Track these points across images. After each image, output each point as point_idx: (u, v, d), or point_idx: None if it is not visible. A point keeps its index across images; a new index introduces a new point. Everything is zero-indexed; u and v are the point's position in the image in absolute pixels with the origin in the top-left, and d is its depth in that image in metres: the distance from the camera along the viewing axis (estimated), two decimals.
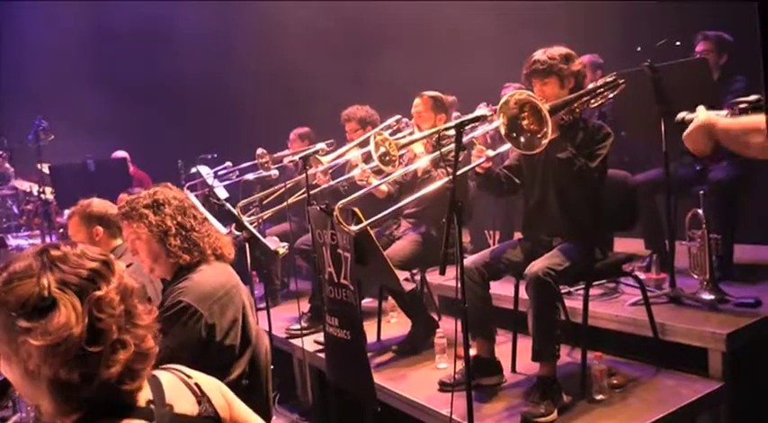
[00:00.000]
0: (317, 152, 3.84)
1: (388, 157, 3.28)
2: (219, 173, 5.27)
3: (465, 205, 2.77)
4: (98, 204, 3.14)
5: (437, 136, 2.84)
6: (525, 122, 2.76)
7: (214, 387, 1.39)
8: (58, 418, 1.14)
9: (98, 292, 1.13)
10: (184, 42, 7.93)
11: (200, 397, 1.32)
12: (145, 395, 1.21)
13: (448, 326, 3.84)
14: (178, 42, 7.94)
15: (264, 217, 4.20)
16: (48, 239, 6.03)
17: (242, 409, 1.45)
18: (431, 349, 3.66)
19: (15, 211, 7.38)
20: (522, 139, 2.76)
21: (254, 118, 7.80)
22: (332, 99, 5.99)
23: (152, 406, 1.21)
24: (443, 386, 3.18)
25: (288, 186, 4.25)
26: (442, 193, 3.31)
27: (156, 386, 1.26)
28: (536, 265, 2.91)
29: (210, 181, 4.96)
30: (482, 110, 3.33)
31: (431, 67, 6.52)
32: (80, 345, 1.08)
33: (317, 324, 4.17)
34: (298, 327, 4.27)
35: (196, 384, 1.35)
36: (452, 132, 2.63)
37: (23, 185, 7.05)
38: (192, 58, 7.99)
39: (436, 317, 4.07)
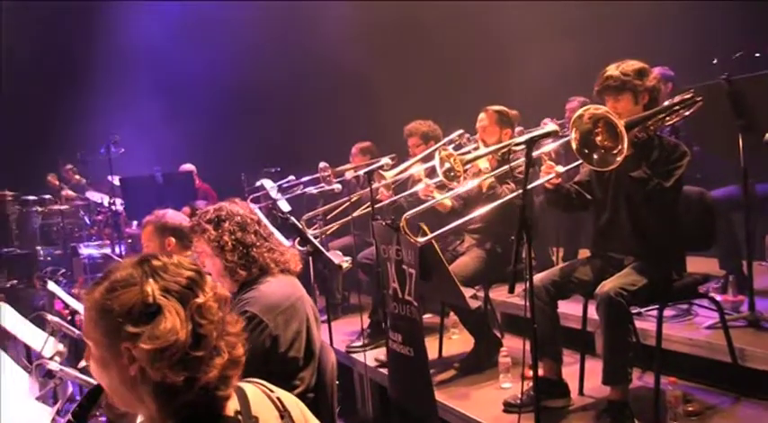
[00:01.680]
0: (381, 167, 3.84)
1: (453, 173, 3.24)
2: (282, 186, 5.33)
3: (533, 222, 2.71)
4: (172, 216, 3.21)
5: (506, 150, 2.80)
6: (599, 138, 2.68)
7: (294, 403, 1.40)
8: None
9: (198, 300, 1.17)
10: (247, 57, 8.13)
11: (283, 412, 1.34)
12: (233, 405, 1.24)
13: (511, 344, 3.76)
14: (241, 57, 8.14)
15: (328, 232, 4.22)
16: (117, 249, 6.24)
17: None
18: (494, 368, 3.58)
19: (87, 221, 7.69)
20: (596, 156, 2.68)
21: (316, 132, 7.89)
22: (394, 113, 6.02)
23: (239, 416, 1.23)
24: (509, 407, 3.10)
25: (352, 200, 4.26)
26: (508, 209, 3.27)
27: (243, 397, 1.28)
28: (607, 285, 2.81)
29: (274, 194, 5.02)
30: (551, 125, 3.25)
31: (487, 79, 6.47)
32: (185, 349, 1.13)
33: (377, 340, 4.17)
34: (358, 344, 4.27)
35: (278, 399, 1.37)
36: (521, 147, 2.60)
37: (95, 197, 7.34)
38: (255, 72, 8.18)
39: (499, 334, 3.99)
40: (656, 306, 3.00)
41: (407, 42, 7.26)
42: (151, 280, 1.16)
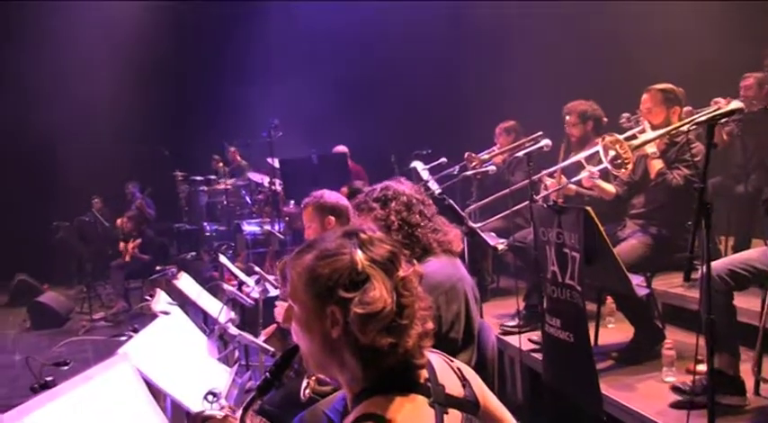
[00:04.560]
0: (540, 148, 3.77)
1: (619, 160, 3.10)
2: (436, 169, 5.37)
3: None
4: (330, 195, 3.35)
5: (675, 132, 2.64)
6: None
7: (472, 374, 1.45)
8: (354, 384, 1.27)
9: (401, 273, 1.25)
10: (396, 41, 8.24)
11: (464, 381, 1.39)
12: (423, 374, 1.30)
13: (672, 337, 3.56)
14: (390, 41, 8.27)
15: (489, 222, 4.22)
16: (276, 226, 6.63)
17: (494, 399, 1.49)
18: (654, 360, 3.43)
19: (248, 200, 8.25)
20: None
21: (466, 113, 7.84)
22: (541, 93, 5.87)
23: (428, 384, 1.29)
24: (677, 392, 2.96)
25: (512, 190, 4.18)
26: (677, 193, 3.10)
27: (430, 366, 1.33)
28: None
29: (425, 176, 5.09)
30: (736, 102, 3.01)
31: (642, 58, 6.08)
32: (392, 316, 1.21)
33: (531, 323, 4.11)
34: (512, 324, 4.25)
35: (458, 369, 1.42)
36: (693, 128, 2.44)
37: (256, 177, 7.85)
38: (402, 56, 8.28)
39: (660, 325, 3.80)
40: None
41: (557, 20, 7.00)
42: (359, 251, 1.25)
